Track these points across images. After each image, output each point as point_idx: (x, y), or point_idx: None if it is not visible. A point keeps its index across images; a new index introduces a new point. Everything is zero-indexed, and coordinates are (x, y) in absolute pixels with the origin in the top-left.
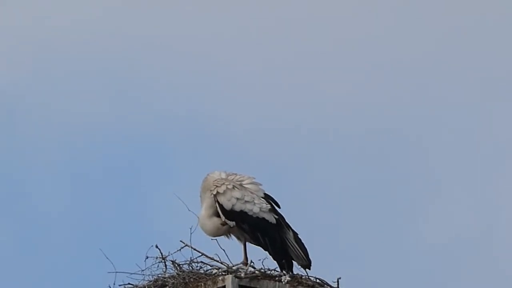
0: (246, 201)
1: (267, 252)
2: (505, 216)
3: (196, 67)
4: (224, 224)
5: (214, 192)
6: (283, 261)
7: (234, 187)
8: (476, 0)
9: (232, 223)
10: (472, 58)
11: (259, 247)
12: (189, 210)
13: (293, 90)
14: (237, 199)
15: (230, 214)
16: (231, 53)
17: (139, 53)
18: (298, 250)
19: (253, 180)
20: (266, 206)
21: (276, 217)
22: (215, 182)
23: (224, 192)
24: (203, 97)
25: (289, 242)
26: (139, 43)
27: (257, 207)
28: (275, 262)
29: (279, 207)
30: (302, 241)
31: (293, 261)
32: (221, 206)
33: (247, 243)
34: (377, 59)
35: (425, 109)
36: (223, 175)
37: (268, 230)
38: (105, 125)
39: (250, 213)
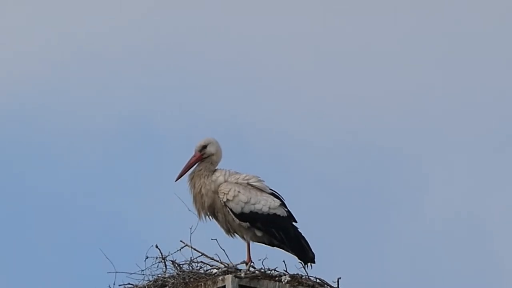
0: (253, 203)
1: (282, 249)
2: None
3: (194, 66)
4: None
5: (224, 199)
6: (302, 251)
7: (239, 192)
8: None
9: (246, 224)
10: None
11: (270, 246)
12: (189, 210)
13: (292, 91)
14: (245, 203)
15: (241, 216)
16: (228, 52)
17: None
18: (305, 242)
19: (259, 179)
20: (274, 202)
21: (286, 209)
22: (222, 190)
23: (233, 197)
24: (202, 97)
25: (300, 233)
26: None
27: (266, 207)
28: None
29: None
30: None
31: (308, 252)
32: (231, 210)
33: (251, 242)
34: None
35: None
36: (227, 176)
37: (281, 223)
38: (105, 125)
39: (260, 213)
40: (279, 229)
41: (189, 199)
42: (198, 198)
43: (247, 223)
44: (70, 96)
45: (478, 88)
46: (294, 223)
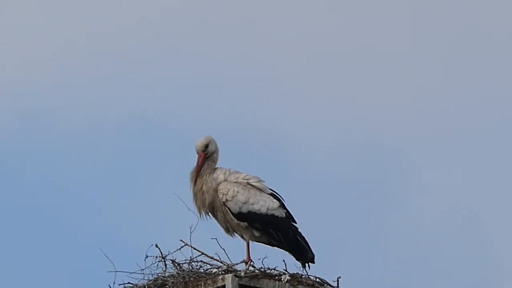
0: (251, 203)
1: (281, 249)
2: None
3: (193, 66)
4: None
5: (223, 200)
6: (300, 252)
7: (238, 192)
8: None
9: (244, 224)
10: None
11: (269, 245)
12: (189, 210)
13: (292, 91)
14: (243, 203)
15: (239, 216)
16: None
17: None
18: (305, 242)
19: (259, 179)
20: (272, 203)
21: (285, 210)
22: (222, 189)
23: (232, 198)
24: (202, 97)
25: (299, 233)
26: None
27: (265, 207)
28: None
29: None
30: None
31: (307, 252)
32: (229, 209)
33: (250, 242)
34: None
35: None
36: (227, 174)
37: (280, 224)
38: (105, 125)
39: (258, 213)
40: (277, 229)
41: (189, 198)
42: (199, 196)
43: (245, 223)
44: (71, 96)
45: (478, 88)
46: (293, 223)
